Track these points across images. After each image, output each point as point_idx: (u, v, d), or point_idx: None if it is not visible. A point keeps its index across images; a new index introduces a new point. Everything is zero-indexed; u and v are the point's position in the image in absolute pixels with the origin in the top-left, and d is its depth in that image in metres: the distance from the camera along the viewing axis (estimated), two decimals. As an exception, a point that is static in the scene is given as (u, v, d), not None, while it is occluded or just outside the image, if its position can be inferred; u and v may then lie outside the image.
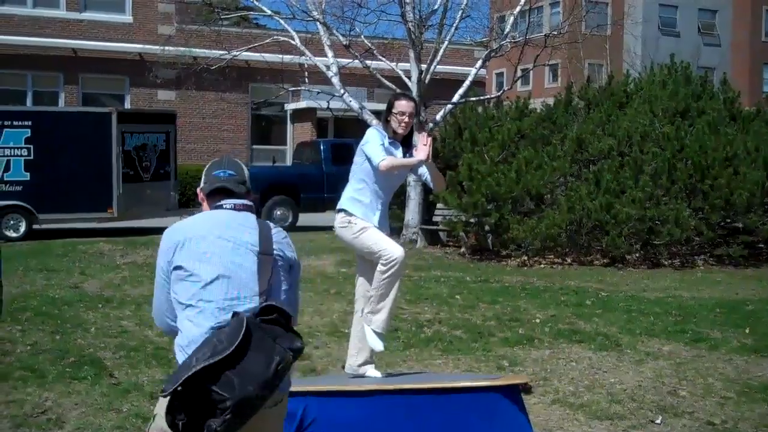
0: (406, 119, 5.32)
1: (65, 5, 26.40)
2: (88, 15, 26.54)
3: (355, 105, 17.28)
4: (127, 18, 27.02)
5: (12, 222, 16.98)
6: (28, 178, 16.91)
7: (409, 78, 16.88)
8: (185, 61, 19.40)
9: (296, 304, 3.37)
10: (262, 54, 19.36)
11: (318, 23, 17.19)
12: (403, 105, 5.33)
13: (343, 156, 20.11)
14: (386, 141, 5.28)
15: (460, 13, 17.05)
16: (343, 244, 5.64)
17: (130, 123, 18.08)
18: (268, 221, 3.34)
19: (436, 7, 16.66)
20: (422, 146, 5.19)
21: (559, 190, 15.11)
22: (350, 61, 17.62)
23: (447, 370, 7.01)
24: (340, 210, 5.37)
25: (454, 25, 17.13)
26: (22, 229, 17.00)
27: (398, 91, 5.38)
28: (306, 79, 17.91)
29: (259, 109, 28.81)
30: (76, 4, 26.45)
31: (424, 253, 15.20)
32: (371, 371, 5.41)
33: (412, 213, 16.57)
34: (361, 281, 5.54)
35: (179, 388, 2.85)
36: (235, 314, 3.00)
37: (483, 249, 15.06)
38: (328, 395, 4.99)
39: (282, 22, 18.36)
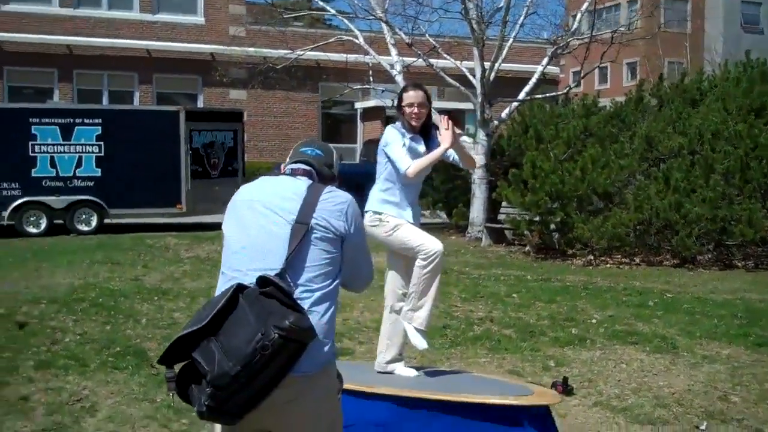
0: (416, 110, 5.12)
1: (139, 7, 26.92)
2: (161, 17, 27.00)
3: (458, 137, 17.09)
4: (199, 19, 27.41)
5: (84, 216, 17.37)
6: (99, 174, 17.27)
7: (474, 76, 16.68)
8: (253, 61, 19.55)
9: (358, 277, 3.25)
10: (327, 53, 19.39)
11: (381, 22, 17.13)
12: (411, 96, 5.13)
13: (409, 153, 20.09)
14: (407, 139, 5.12)
15: (525, 9, 16.78)
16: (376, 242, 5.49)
17: (198, 121, 18.29)
18: (332, 187, 3.17)
19: (501, 4, 16.40)
20: (444, 131, 5.02)
21: (627, 189, 14.71)
22: (414, 60, 17.50)
23: (489, 370, 6.84)
24: (369, 211, 5.24)
25: (519, 22, 16.87)
26: (94, 223, 17.37)
27: (409, 82, 5.17)
28: (371, 78, 17.83)
29: (329, 108, 28.93)
30: (149, 6, 26.94)
31: (487, 251, 15.00)
32: (400, 368, 5.28)
33: (477, 211, 16.38)
34: (391, 276, 5.40)
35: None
36: (240, 285, 2.91)
37: (548, 248, 14.78)
38: (356, 395, 4.88)
39: (346, 21, 18.37)
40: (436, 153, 5.09)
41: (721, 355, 7.49)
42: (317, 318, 2.96)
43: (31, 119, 16.86)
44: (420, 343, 5.18)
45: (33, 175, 16.85)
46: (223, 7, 27.32)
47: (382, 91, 18.50)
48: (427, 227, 16.76)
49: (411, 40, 17.00)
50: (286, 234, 3.00)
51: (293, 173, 3.23)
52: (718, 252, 13.90)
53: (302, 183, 3.15)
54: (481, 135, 16.28)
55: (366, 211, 5.24)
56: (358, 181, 18.87)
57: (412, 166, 5.01)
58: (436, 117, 5.61)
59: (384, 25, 17.34)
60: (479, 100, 16.34)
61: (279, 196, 3.09)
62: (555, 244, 14.68)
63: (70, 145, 17.09)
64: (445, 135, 5.06)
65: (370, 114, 28.51)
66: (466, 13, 16.01)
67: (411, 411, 4.77)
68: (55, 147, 16.97)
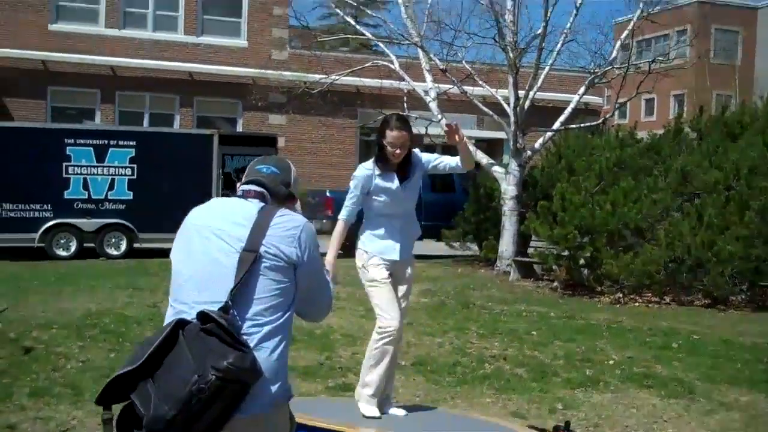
0: (398, 151, 5.00)
1: (183, 29, 27.19)
2: (204, 39, 27.24)
3: (462, 138, 16.96)
4: (242, 42, 27.60)
5: (114, 240, 17.41)
6: (131, 197, 17.33)
7: (508, 104, 16.49)
8: (287, 86, 19.59)
9: (315, 307, 3.07)
10: (363, 79, 19.36)
11: (417, 47, 17.05)
12: (395, 137, 4.98)
13: (441, 183, 19.90)
14: (375, 180, 5.03)
15: (563, 36, 16.57)
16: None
17: (232, 145, 18.33)
18: (285, 210, 2.96)
19: (539, 31, 16.21)
20: (450, 133, 5.02)
21: (660, 224, 14.37)
22: (450, 87, 17.38)
23: (492, 411, 6.62)
24: (358, 248, 5.15)
25: (556, 49, 16.66)
26: (123, 247, 17.40)
27: (394, 117, 5.03)
28: (405, 105, 17.73)
29: (367, 134, 28.89)
30: (193, 28, 27.21)
31: (514, 286, 14.74)
32: (366, 408, 5.13)
33: (506, 244, 16.13)
34: None
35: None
36: (181, 321, 2.76)
37: (576, 284, 14.46)
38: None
39: (382, 45, 18.33)
40: (334, 247, 4.96)
41: (740, 402, 7.18)
42: (266, 354, 2.77)
43: (66, 140, 17.00)
44: (371, 412, 5.04)
45: (65, 196, 16.96)
46: (266, 31, 27.49)
47: (416, 118, 18.38)
48: (456, 260, 16.62)
49: (446, 67, 16.87)
50: (233, 263, 2.81)
51: (244, 195, 3.03)
52: (751, 292, 13.49)
53: (253, 206, 2.94)
54: (514, 165, 16.07)
55: (357, 249, 5.14)
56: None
57: (338, 222, 5.11)
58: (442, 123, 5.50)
59: (420, 51, 17.25)
60: (512, 128, 16.13)
61: (228, 221, 2.90)
62: (583, 280, 14.36)
63: (103, 167, 17.20)
64: (453, 139, 5.01)
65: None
66: (501, 39, 15.85)
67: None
68: (89, 169, 17.08)
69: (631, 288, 13.63)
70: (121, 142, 17.32)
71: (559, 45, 16.79)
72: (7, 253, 16.46)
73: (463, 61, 17.72)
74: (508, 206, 16.09)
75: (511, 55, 15.57)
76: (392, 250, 5.05)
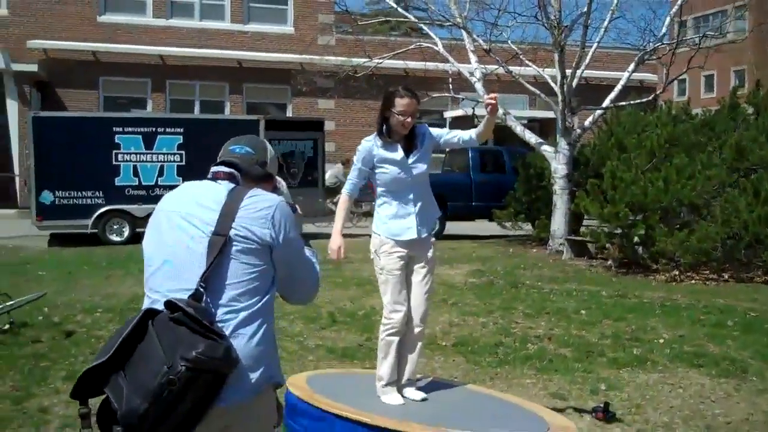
0: (408, 119, 4.83)
1: (230, 17, 27.27)
2: (251, 27, 27.30)
3: (499, 111, 16.68)
4: (288, 29, 27.58)
5: (165, 226, 17.52)
6: (180, 183, 17.33)
7: (556, 83, 16.15)
8: (331, 71, 19.47)
9: (298, 289, 2.93)
10: (407, 62, 19.15)
11: (461, 29, 16.79)
12: (405, 104, 4.79)
13: (492, 164, 19.65)
14: (378, 151, 4.88)
15: (609, 14, 16.16)
16: None
17: (278, 130, 18.28)
18: (256, 190, 2.82)
19: (584, 9, 15.81)
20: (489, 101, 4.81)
21: (716, 201, 13.93)
22: (496, 67, 17.07)
23: (531, 393, 6.43)
24: (372, 232, 5.02)
25: (603, 27, 16.25)
26: (174, 233, 17.50)
27: (400, 87, 4.86)
28: (450, 86, 17.50)
29: (420, 117, 28.67)
30: (240, 16, 27.27)
31: (567, 265, 14.43)
32: (410, 393, 4.97)
33: (558, 223, 15.83)
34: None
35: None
36: (150, 311, 2.64)
37: (631, 262, 14.11)
38: (355, 423, 4.59)
39: (426, 28, 18.10)
40: (338, 225, 5.00)
41: (795, 382, 6.88)
42: (244, 341, 2.64)
43: (114, 128, 17.12)
44: (392, 400, 4.90)
45: (116, 183, 17.10)
46: (312, 17, 27.42)
47: (462, 99, 18.16)
48: (508, 240, 16.39)
49: (489, 47, 16.59)
50: (203, 249, 2.68)
51: (214, 177, 2.89)
52: (813, 268, 13.03)
53: (223, 188, 2.81)
54: (563, 144, 15.74)
55: (373, 232, 5.01)
56: (437, 191, 18.85)
57: (342, 197, 5.06)
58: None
59: (463, 32, 16.99)
60: (560, 107, 15.80)
61: (198, 205, 2.77)
62: (638, 258, 14.01)
63: (152, 154, 17.30)
64: (493, 112, 4.86)
65: (459, 123, 28.09)
66: (546, 17, 15.51)
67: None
68: (138, 156, 17.19)
69: (688, 265, 13.25)
70: (168, 129, 17.40)
71: (606, 22, 16.37)
72: (61, 239, 16.68)
73: (509, 41, 17.41)
74: (559, 185, 15.78)
75: (554, 33, 15.21)
76: (407, 229, 4.88)
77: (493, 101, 4.82)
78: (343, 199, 5.01)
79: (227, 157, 2.97)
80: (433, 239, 5.14)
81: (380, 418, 4.57)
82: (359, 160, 4.93)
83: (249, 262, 2.70)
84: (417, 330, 5.00)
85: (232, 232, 2.69)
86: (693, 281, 12.82)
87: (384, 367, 4.94)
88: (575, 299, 10.75)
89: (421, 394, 5.03)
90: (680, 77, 16.90)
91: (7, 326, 7.89)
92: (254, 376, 2.65)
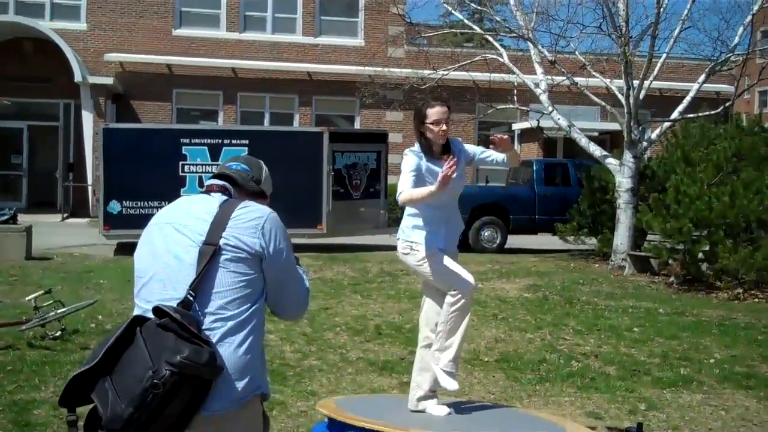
0: (444, 127, 4.75)
1: (302, 30, 27.57)
2: (322, 39, 27.55)
3: (563, 123, 16.57)
4: (359, 41, 27.76)
5: (227, 236, 17.77)
6: (245, 194, 17.61)
7: (623, 94, 15.89)
8: (395, 82, 19.52)
9: (286, 302, 2.92)
10: (472, 73, 19.09)
11: (527, 40, 16.67)
12: (438, 112, 4.72)
13: (557, 177, 19.42)
14: (425, 163, 4.79)
15: (679, 24, 15.84)
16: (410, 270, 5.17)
17: (341, 142, 18.37)
18: (248, 202, 2.88)
19: (654, 20, 15.51)
20: (445, 168, 4.52)
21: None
22: (562, 79, 16.89)
23: (566, 411, 6.32)
24: (399, 238, 4.94)
25: (673, 37, 15.94)
26: (238, 242, 17.74)
27: (430, 99, 4.82)
28: (515, 98, 17.37)
29: (487, 129, 28.53)
30: (312, 29, 27.55)
31: (628, 281, 14.16)
32: (431, 407, 4.90)
33: (621, 238, 15.53)
34: (426, 305, 5.05)
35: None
36: (138, 318, 2.69)
37: (694, 279, 13.77)
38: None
39: (492, 40, 18.03)
40: (429, 189, 4.57)
41: None
42: (231, 349, 2.67)
43: (182, 140, 17.43)
44: (449, 384, 4.78)
45: (182, 194, 17.40)
46: (382, 29, 27.53)
47: (528, 111, 18.02)
48: (571, 254, 16.19)
49: (554, 58, 16.43)
50: (194, 258, 2.73)
51: (207, 190, 2.96)
52: None
53: (215, 200, 2.87)
54: (628, 157, 15.45)
55: (397, 238, 4.95)
56: (500, 203, 18.73)
57: (403, 193, 4.65)
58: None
59: (529, 43, 16.87)
60: (626, 119, 15.53)
61: (190, 216, 2.83)
62: (701, 275, 13.66)
63: (218, 165, 17.51)
64: (503, 142, 4.85)
65: (527, 135, 27.88)
66: (614, 28, 15.28)
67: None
68: (204, 167, 17.46)
69: (752, 283, 12.89)
70: (234, 141, 17.63)
71: (676, 32, 16.04)
72: (128, 248, 17.04)
73: (576, 52, 17.22)
74: (623, 199, 15.50)
75: (621, 44, 14.97)
76: (438, 236, 4.83)
77: (496, 142, 4.87)
78: (409, 192, 4.66)
79: (222, 170, 3.05)
80: (458, 253, 5.08)
81: (401, 428, 4.55)
82: (413, 170, 4.75)
83: (238, 271, 2.74)
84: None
85: (222, 242, 2.74)
86: (756, 300, 12.45)
87: (455, 338, 4.77)
88: (630, 316, 10.55)
89: (445, 410, 4.96)
90: (754, 88, 16.48)
91: (58, 333, 8.09)
92: (240, 385, 2.68)
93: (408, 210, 4.87)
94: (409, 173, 4.72)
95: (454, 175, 4.49)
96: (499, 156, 5.03)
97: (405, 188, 4.67)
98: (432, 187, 4.53)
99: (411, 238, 4.84)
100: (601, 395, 6.78)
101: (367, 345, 8.48)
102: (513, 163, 5.10)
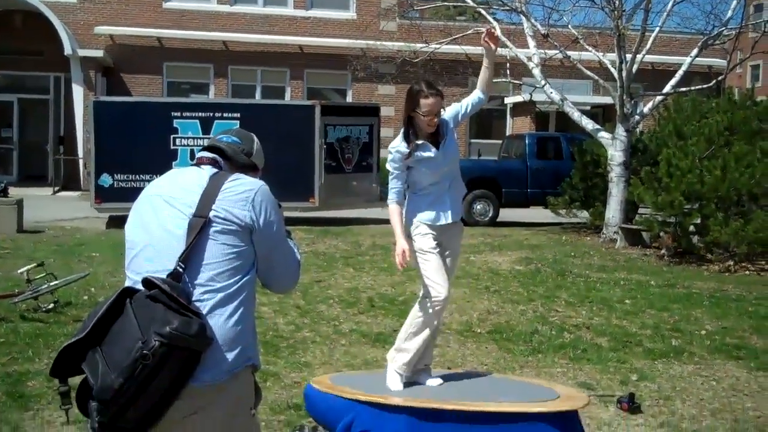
0: (435, 120, 4.73)
1: (293, 3, 27.38)
2: (314, 12, 27.38)
3: (556, 97, 16.55)
4: (351, 14, 27.61)
5: (217, 210, 17.75)
6: (237, 168, 17.56)
7: (615, 68, 15.86)
8: (387, 56, 19.44)
9: (276, 275, 2.92)
10: (464, 47, 19.01)
11: (520, 13, 16.61)
12: (430, 104, 4.66)
13: (549, 150, 19.41)
14: (405, 152, 4.80)
15: (672, -3, 15.80)
16: None
17: (333, 116, 18.31)
18: (239, 175, 2.88)
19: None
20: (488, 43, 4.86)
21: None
22: (555, 52, 16.85)
23: (558, 381, 6.35)
24: (409, 219, 4.95)
25: (666, 11, 15.90)
26: (228, 215, 17.73)
27: (424, 84, 4.77)
28: (508, 71, 17.32)
29: (479, 103, 28.43)
30: (303, 2, 27.37)
31: (619, 254, 14.20)
32: (426, 379, 4.93)
33: (613, 211, 15.58)
34: None
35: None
36: (128, 289, 2.69)
37: (685, 252, 13.83)
38: (377, 407, 4.61)
39: (484, 12, 17.95)
40: (397, 239, 4.73)
41: (837, 378, 6.67)
42: (221, 321, 2.67)
43: (173, 113, 17.35)
44: (395, 385, 4.81)
45: (173, 167, 17.31)
46: (375, 2, 27.37)
47: (521, 85, 17.98)
48: (563, 227, 16.24)
49: (547, 31, 16.38)
50: (184, 230, 2.72)
51: (198, 162, 2.95)
52: None
53: (205, 172, 2.86)
54: (621, 130, 15.46)
55: (408, 220, 4.95)
56: (492, 177, 18.73)
57: (389, 207, 4.86)
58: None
59: (522, 17, 16.81)
60: (619, 93, 15.52)
61: (179, 189, 2.82)
62: (692, 247, 13.72)
63: (209, 138, 17.46)
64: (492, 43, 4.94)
65: (519, 109, 27.84)
66: (607, 1, 15.23)
67: (425, 423, 4.44)
68: (195, 140, 17.38)
69: (743, 256, 12.96)
70: (225, 114, 17.55)
71: (669, 5, 16.01)
72: (119, 221, 17.00)
73: (569, 26, 17.17)
74: (615, 172, 15.53)
75: (614, 17, 14.93)
76: (442, 216, 4.82)
77: (491, 32, 4.93)
78: (394, 209, 4.81)
79: (212, 142, 3.04)
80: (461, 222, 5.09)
81: (395, 397, 4.59)
82: (397, 168, 4.82)
83: (228, 243, 2.73)
84: None
85: (211, 214, 2.73)
86: (747, 272, 12.52)
87: (412, 343, 4.81)
88: (622, 288, 10.59)
89: (438, 380, 4.99)
90: (746, 62, 16.48)
91: (51, 305, 8.08)
92: (230, 356, 2.67)
93: (410, 194, 4.90)
94: (394, 178, 4.85)
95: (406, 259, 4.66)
96: (474, 97, 5.00)
97: (392, 199, 4.85)
98: (398, 240, 4.72)
99: (416, 219, 4.84)
100: (592, 366, 6.82)
101: (359, 317, 8.50)
102: (488, 87, 5.03)
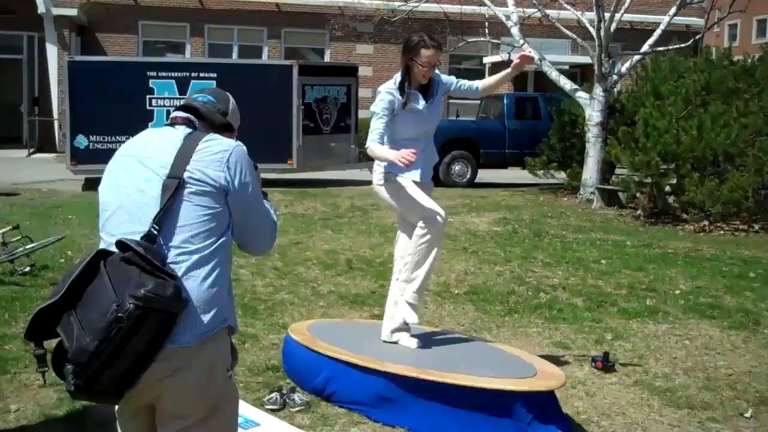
0: (431, 71, 4.83)
1: (271, -39, 27.10)
2: (291, -30, 27.11)
3: (535, 56, 16.45)
4: (328, -28, 27.36)
5: (195, 170, 17.67)
6: (214, 129, 17.46)
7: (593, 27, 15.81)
8: (365, 14, 19.29)
9: (252, 237, 2.90)
10: (443, 5, 18.90)
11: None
12: (430, 56, 4.77)
13: (527, 111, 19.40)
14: (398, 100, 4.83)
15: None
16: (383, 202, 5.18)
17: (311, 76, 18.19)
18: (214, 135, 2.84)
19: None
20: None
21: (751, 149, 13.62)
22: (534, 11, 16.78)
23: (534, 341, 6.43)
24: (376, 169, 4.95)
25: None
26: (205, 177, 17.65)
27: (426, 36, 4.85)
28: (486, 30, 17.24)
29: (458, 63, 28.36)
30: (281, -41, 27.09)
31: (596, 215, 14.28)
32: (404, 339, 4.98)
33: (590, 171, 15.62)
34: (400, 240, 5.10)
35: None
36: (102, 251, 2.66)
37: (661, 212, 13.93)
38: (352, 366, 4.65)
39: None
40: (389, 156, 4.62)
41: (808, 335, 6.79)
42: (196, 283, 2.66)
43: (149, 73, 17.18)
44: (410, 317, 4.87)
45: (149, 128, 17.19)
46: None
47: (499, 44, 17.91)
48: (541, 188, 16.27)
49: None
50: (157, 191, 2.69)
51: (172, 122, 2.91)
52: None
53: (179, 132, 2.82)
54: (598, 90, 15.46)
55: (373, 170, 4.97)
56: (470, 137, 18.71)
57: (370, 147, 4.76)
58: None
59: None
60: (597, 52, 15.50)
61: (153, 149, 2.79)
62: (668, 207, 13.82)
63: (185, 99, 17.35)
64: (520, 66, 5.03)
65: (498, 68, 27.60)
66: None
67: (399, 391, 4.48)
68: (171, 101, 17.23)
69: (718, 216, 13.06)
70: (202, 74, 17.39)
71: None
72: (95, 183, 16.86)
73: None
74: (593, 133, 15.55)
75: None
76: (414, 173, 4.86)
77: (528, 56, 5.00)
78: (375, 146, 4.78)
79: (186, 101, 3.01)
80: (432, 184, 5.14)
81: (371, 359, 4.63)
82: (385, 109, 4.81)
83: (203, 204, 2.71)
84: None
85: (186, 175, 2.70)
86: (722, 232, 12.64)
87: (422, 269, 4.85)
88: (598, 249, 10.67)
89: (414, 342, 5.04)
90: (724, 21, 16.47)
91: (27, 268, 8.05)
92: (206, 318, 2.67)
93: (386, 145, 4.87)
94: (380, 119, 4.78)
95: (412, 158, 4.51)
96: (473, 84, 5.07)
97: (374, 139, 4.76)
98: (390, 156, 4.59)
99: (386, 169, 4.85)
100: (568, 326, 6.89)
101: (338, 279, 8.53)
102: (491, 90, 5.12)
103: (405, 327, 5.01)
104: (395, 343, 4.98)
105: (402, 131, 4.89)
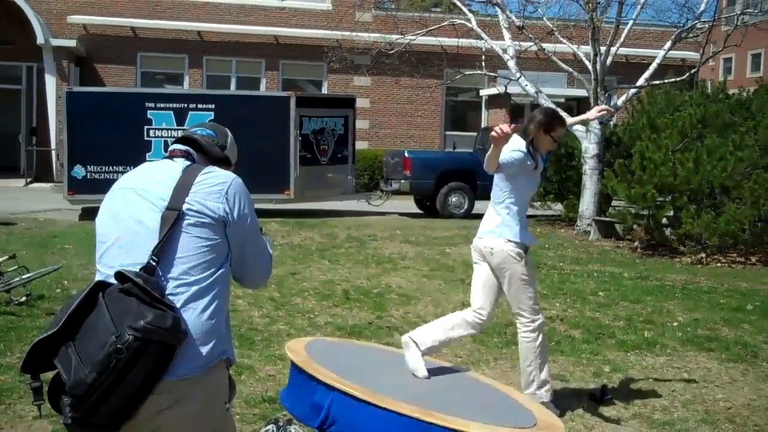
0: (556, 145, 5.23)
1: (267, -7, 27.33)
2: (289, 3, 27.26)
3: (531, 89, 16.59)
4: (326, 5, 27.53)
5: (193, 201, 17.68)
6: (211, 159, 17.50)
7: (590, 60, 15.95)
8: (363, 47, 19.43)
9: (249, 270, 2.90)
10: (440, 38, 19.03)
11: (495, 5, 16.64)
12: (562, 132, 5.12)
13: (524, 143, 19.46)
14: (529, 160, 5.09)
15: (646, -10, 15.91)
16: (499, 274, 5.25)
17: (308, 107, 18.27)
18: (212, 167, 2.86)
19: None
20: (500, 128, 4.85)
21: (747, 182, 13.66)
22: (530, 44, 16.91)
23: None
24: (510, 241, 5.10)
25: (639, 3, 15.99)
26: (204, 209, 17.66)
27: (558, 113, 5.30)
28: (483, 63, 17.36)
29: (455, 95, 28.52)
30: (277, -8, 27.33)
31: (593, 246, 14.30)
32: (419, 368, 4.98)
33: (587, 203, 15.69)
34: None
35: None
36: (101, 283, 2.66)
37: (658, 244, 13.95)
38: (354, 398, 4.59)
39: (460, 4, 17.97)
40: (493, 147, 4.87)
41: (806, 369, 6.77)
42: (195, 315, 2.65)
43: (147, 104, 17.25)
44: (552, 410, 4.99)
45: (148, 159, 17.22)
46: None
47: (495, 77, 18.04)
48: (536, 220, 16.30)
49: (522, 23, 16.43)
50: (156, 223, 2.70)
51: (170, 155, 2.93)
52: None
53: (178, 165, 2.84)
54: (595, 123, 15.54)
55: (508, 240, 5.05)
56: (467, 169, 18.76)
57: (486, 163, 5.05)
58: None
59: (498, 9, 16.85)
60: (593, 86, 15.60)
61: (152, 181, 2.79)
62: (665, 240, 13.84)
63: (183, 129, 17.37)
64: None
65: (495, 101, 27.92)
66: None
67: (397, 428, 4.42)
68: (169, 132, 17.30)
69: (715, 248, 13.07)
70: (200, 105, 17.47)
71: (642, -1, 16.11)
72: (92, 213, 16.87)
73: (544, 18, 17.23)
74: (589, 165, 15.63)
75: (588, 10, 15.01)
76: (532, 237, 5.25)
77: (604, 112, 5.68)
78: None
79: (185, 133, 3.02)
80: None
81: (370, 392, 4.57)
82: (519, 160, 5.00)
83: (202, 236, 2.71)
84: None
85: (185, 207, 2.70)
86: (719, 264, 12.64)
87: (546, 371, 5.24)
88: (595, 280, 10.67)
89: (425, 373, 5.02)
90: (719, 55, 16.62)
91: (23, 298, 8.02)
92: (205, 350, 2.66)
93: (507, 209, 5.10)
94: (512, 153, 4.97)
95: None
96: None
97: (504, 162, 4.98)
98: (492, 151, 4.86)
99: (514, 239, 5.10)
100: (566, 358, 6.87)
101: (335, 310, 8.50)
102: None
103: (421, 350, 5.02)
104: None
105: (523, 195, 5.17)
